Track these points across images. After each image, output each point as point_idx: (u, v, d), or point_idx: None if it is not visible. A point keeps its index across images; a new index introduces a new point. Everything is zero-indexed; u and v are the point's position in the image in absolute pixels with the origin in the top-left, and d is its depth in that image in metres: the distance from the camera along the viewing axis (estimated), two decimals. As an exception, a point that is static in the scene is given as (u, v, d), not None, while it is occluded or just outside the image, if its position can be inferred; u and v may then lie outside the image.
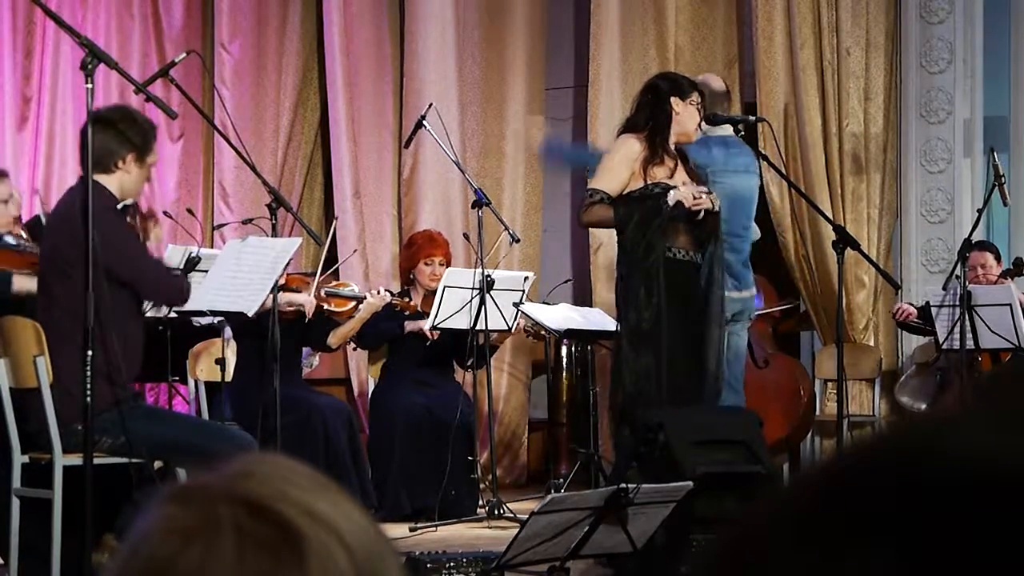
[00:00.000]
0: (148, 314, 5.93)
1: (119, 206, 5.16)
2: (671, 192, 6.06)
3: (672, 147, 6.24)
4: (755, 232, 8.22)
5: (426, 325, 7.28)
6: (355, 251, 9.09)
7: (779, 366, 8.27)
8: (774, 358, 8.29)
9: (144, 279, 5.20)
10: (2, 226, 5.91)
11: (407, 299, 7.60)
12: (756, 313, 7.39)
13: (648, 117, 6.26)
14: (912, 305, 7.98)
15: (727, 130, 6.82)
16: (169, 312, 5.91)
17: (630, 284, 6.09)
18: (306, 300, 6.91)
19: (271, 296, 5.81)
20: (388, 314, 7.46)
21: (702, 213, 6.10)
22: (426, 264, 7.68)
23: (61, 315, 5.08)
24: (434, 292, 7.45)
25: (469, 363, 7.24)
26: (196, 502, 0.89)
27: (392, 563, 0.92)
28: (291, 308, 6.77)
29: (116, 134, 5.06)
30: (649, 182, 6.14)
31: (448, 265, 7.73)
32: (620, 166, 6.18)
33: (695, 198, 6.08)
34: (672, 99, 6.23)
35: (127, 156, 5.13)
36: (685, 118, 6.24)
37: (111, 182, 5.09)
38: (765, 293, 8.35)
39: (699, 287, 6.16)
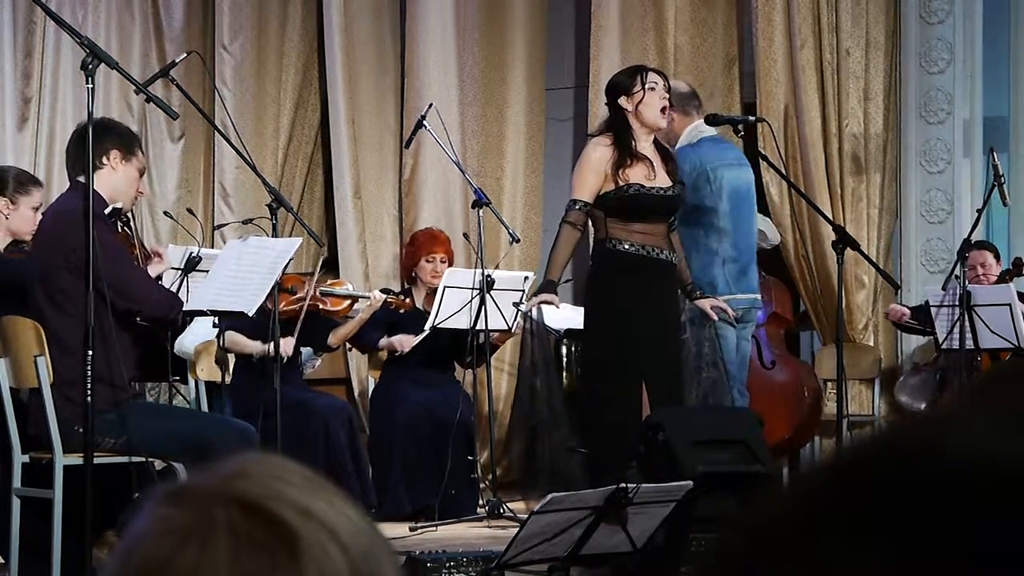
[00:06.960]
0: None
1: (108, 209, 5.16)
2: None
3: (644, 147, 6.22)
4: (775, 236, 8.16)
5: (405, 342, 7.31)
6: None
7: (785, 368, 8.24)
8: (781, 359, 8.27)
9: (130, 290, 5.15)
10: (29, 234, 5.91)
11: (403, 298, 7.60)
12: (768, 311, 7.38)
13: (608, 122, 6.29)
14: (905, 305, 7.99)
15: (712, 131, 6.80)
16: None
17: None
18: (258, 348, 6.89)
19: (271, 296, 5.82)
20: (384, 316, 7.45)
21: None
22: (427, 261, 7.68)
23: (60, 316, 5.08)
24: (436, 290, 7.45)
25: (468, 360, 7.25)
26: (191, 503, 0.89)
27: (388, 562, 0.91)
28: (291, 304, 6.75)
29: (97, 134, 5.07)
30: (622, 183, 6.15)
31: (450, 263, 7.73)
32: (588, 174, 6.22)
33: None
34: (619, 100, 6.23)
35: (111, 152, 5.17)
36: (642, 108, 6.21)
37: (98, 181, 5.09)
38: (777, 293, 8.32)
39: (664, 282, 6.18)
